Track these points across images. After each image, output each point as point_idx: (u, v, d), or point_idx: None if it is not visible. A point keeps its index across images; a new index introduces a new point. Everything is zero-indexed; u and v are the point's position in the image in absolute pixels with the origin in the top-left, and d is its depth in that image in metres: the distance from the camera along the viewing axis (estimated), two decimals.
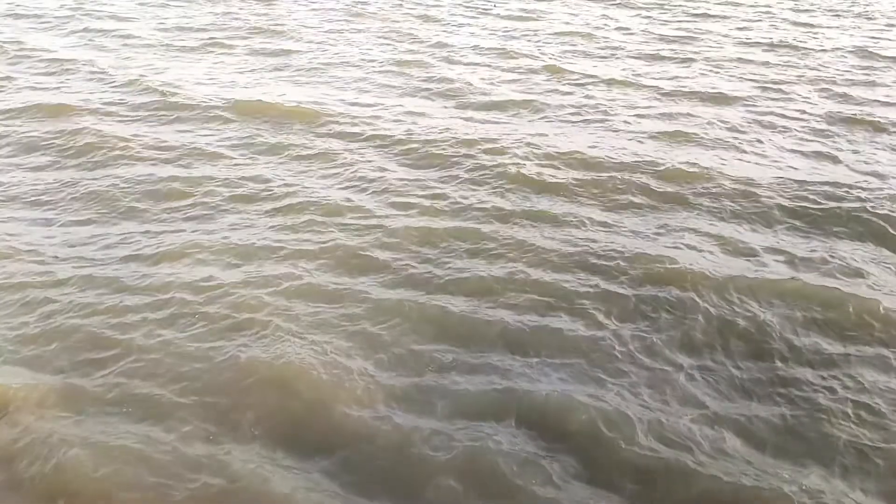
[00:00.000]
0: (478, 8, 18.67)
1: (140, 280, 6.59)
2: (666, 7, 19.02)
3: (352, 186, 8.59)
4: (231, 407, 5.20)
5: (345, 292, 6.46)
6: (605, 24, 17.08)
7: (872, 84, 12.84)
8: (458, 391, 5.38)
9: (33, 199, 8.19)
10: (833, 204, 8.25)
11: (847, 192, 8.55)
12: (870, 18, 18.16)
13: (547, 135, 10.23)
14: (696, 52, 14.69)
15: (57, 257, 6.97)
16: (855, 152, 9.90)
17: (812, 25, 17.22)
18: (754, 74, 13.28)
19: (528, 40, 15.47)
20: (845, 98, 12.05)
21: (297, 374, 5.47)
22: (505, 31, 16.23)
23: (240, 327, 5.96)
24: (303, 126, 10.36)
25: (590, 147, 9.77)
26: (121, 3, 18.24)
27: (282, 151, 9.55)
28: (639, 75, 13.12)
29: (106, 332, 5.90)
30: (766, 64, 13.98)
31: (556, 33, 16.09)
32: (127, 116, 10.68)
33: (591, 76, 12.93)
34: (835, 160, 9.61)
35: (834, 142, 10.22)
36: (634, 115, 11.09)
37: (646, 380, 5.56)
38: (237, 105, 11.04)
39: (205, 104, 11.00)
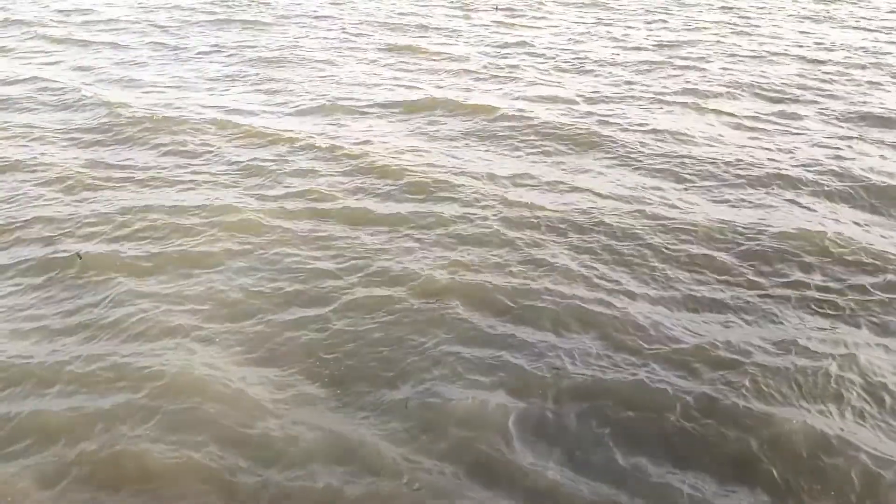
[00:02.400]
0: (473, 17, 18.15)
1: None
2: (670, 14, 18.51)
3: (344, 220, 8.03)
4: None
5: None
6: (601, 35, 16.58)
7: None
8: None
9: None
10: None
11: None
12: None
13: (547, 162, 9.71)
14: (695, 63, 14.19)
15: None
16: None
17: (814, 33, 16.72)
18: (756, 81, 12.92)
19: (529, 55, 14.89)
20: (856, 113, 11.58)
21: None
22: (503, 46, 15.64)
23: None
24: (290, 150, 9.85)
25: (593, 177, 9.27)
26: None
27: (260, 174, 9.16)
28: (643, 90, 12.64)
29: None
30: (768, 69, 13.63)
31: (555, 44, 15.58)
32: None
33: (591, 92, 12.48)
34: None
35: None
36: (638, 135, 10.54)
37: None
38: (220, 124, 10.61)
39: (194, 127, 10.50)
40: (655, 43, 15.70)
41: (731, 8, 19.45)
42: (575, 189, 8.80)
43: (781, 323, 6.37)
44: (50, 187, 8.71)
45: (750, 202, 8.58)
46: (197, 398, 5.35)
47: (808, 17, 18.28)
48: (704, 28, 17.14)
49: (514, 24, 17.30)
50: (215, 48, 15.06)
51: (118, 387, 5.50)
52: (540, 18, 18.03)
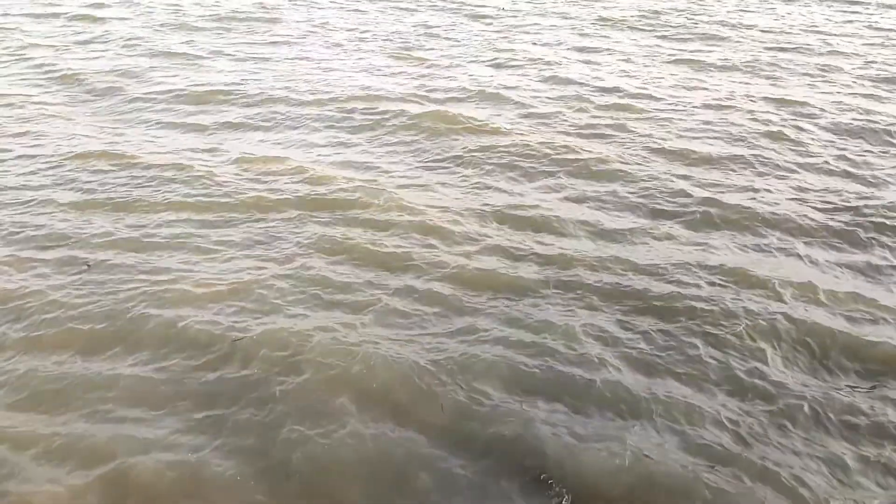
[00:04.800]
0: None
1: None
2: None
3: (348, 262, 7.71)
4: None
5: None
6: (605, 45, 16.21)
7: None
8: None
9: None
10: None
11: None
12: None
13: (552, 199, 9.23)
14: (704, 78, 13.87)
15: None
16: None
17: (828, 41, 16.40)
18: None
19: (533, 65, 14.46)
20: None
21: None
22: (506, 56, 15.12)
23: None
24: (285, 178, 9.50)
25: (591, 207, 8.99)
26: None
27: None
28: (653, 103, 12.31)
29: None
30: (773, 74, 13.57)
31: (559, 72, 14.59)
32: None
33: (595, 105, 12.17)
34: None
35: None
36: (645, 154, 10.31)
37: None
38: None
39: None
40: (662, 54, 15.34)
41: (744, 10, 19.08)
42: (578, 220, 8.56)
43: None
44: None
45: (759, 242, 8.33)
46: None
47: (819, 26, 17.90)
48: (715, 38, 16.78)
49: (515, 33, 16.94)
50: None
51: None
52: (541, 25, 17.71)
